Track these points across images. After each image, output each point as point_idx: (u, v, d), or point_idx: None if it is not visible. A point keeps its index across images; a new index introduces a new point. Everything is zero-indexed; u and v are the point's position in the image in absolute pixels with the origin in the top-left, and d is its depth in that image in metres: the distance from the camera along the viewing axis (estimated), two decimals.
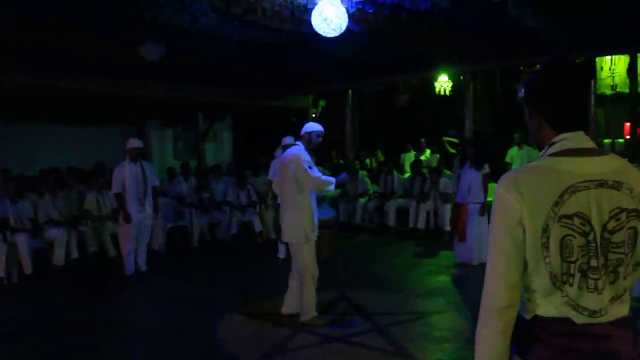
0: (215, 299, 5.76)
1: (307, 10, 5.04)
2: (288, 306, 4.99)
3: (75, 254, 7.11)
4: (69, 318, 5.32)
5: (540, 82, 1.51)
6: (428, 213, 9.21)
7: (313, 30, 4.96)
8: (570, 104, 1.46)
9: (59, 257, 6.84)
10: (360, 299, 5.53)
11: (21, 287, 6.42)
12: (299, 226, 4.68)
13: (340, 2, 4.85)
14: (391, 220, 9.53)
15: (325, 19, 4.80)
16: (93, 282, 6.79)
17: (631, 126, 11.00)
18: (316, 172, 4.66)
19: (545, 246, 1.37)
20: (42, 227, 6.93)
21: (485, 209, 6.76)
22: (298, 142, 4.84)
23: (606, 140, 11.04)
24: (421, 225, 9.14)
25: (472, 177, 6.86)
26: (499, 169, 7.45)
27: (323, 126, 4.89)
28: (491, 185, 6.88)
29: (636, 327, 1.47)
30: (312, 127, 4.85)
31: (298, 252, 4.75)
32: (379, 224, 9.86)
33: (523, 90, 1.57)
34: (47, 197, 7.21)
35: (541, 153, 1.51)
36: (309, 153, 4.75)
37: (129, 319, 5.50)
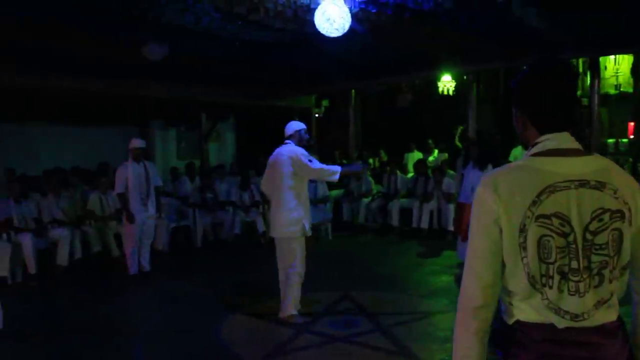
0: (219, 299, 5.76)
1: (310, 10, 5.04)
2: None
3: (79, 254, 7.15)
4: (73, 318, 5.33)
5: (524, 82, 1.48)
6: (431, 213, 9.19)
7: (316, 30, 4.96)
8: (553, 105, 1.43)
9: (62, 257, 6.87)
10: (363, 298, 5.53)
11: (25, 287, 6.43)
12: (297, 219, 4.69)
13: (343, 2, 4.84)
14: (394, 220, 9.51)
15: (328, 19, 4.79)
16: (96, 282, 6.80)
17: (635, 126, 10.98)
18: (317, 164, 4.71)
19: (523, 246, 1.34)
20: (46, 227, 6.94)
21: None
22: (288, 141, 4.86)
23: (610, 140, 11.03)
24: (424, 225, 9.12)
25: (475, 177, 6.81)
26: None
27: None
28: None
29: (627, 332, 1.41)
30: (299, 125, 4.95)
31: (292, 247, 4.74)
32: (382, 223, 9.84)
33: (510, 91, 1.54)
34: (51, 197, 7.24)
35: (525, 153, 1.48)
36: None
37: (133, 318, 5.50)
